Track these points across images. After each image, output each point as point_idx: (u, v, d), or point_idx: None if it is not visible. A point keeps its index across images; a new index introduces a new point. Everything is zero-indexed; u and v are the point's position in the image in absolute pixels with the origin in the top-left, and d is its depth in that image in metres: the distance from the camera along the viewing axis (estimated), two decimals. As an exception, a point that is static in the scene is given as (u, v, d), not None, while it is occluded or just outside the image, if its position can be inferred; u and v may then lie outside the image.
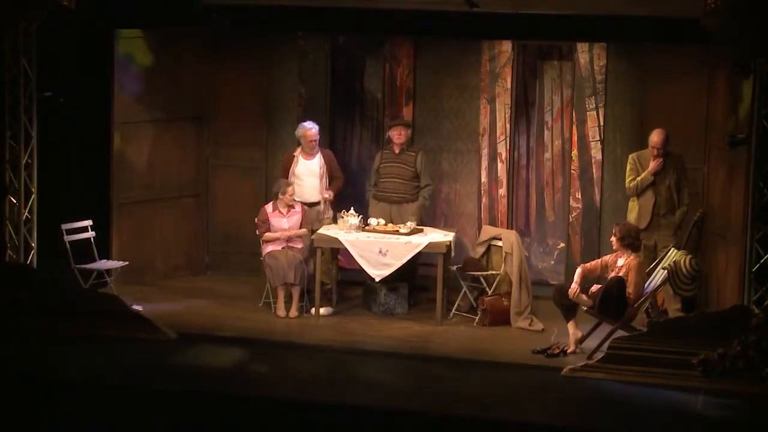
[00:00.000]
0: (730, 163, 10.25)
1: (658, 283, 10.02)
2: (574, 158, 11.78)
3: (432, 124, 12.13)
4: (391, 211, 11.42)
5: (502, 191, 11.99)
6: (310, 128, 11.39)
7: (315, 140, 11.37)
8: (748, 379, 9.11)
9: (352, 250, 10.86)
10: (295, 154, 11.42)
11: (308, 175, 11.41)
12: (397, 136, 11.41)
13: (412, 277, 11.38)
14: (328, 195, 11.43)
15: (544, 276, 11.92)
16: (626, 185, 10.83)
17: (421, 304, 11.42)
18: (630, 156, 10.91)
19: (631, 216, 10.78)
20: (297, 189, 11.26)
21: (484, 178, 12.04)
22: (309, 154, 11.40)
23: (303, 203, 11.30)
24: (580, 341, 10.06)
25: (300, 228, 11.14)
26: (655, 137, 10.68)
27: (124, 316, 10.22)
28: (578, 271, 10.08)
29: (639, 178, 10.71)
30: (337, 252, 11.22)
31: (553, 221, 12.01)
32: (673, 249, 10.24)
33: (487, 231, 11.42)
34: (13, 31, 10.28)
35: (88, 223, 11.23)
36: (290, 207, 11.15)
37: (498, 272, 11.04)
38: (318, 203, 11.42)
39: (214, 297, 11.53)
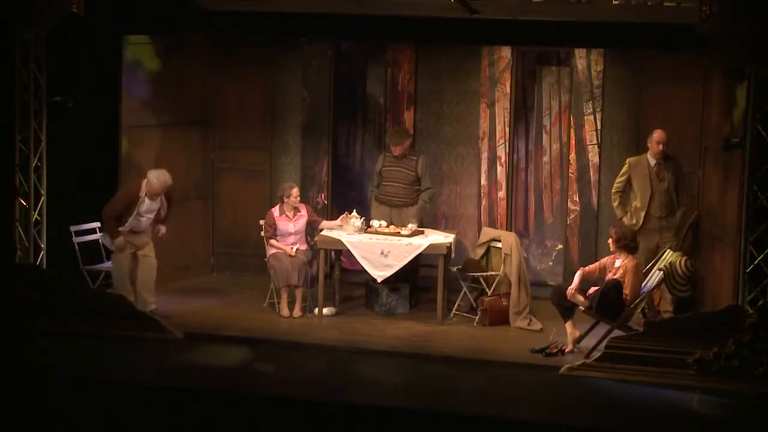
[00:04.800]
0: (725, 166, 10.28)
1: (655, 283, 10.06)
2: (572, 161, 11.83)
3: (433, 128, 12.17)
4: (392, 215, 11.47)
5: (502, 194, 12.06)
6: (153, 181, 10.74)
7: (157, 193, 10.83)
8: (742, 377, 9.15)
9: (355, 251, 10.93)
10: (140, 195, 10.72)
11: (150, 212, 10.87)
12: (399, 150, 11.40)
13: (414, 277, 11.43)
14: (163, 231, 11.02)
15: (543, 277, 11.97)
16: (613, 187, 10.91)
17: (422, 304, 11.46)
18: (628, 159, 10.96)
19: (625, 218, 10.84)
20: (135, 222, 10.73)
21: (483, 181, 12.12)
22: (153, 198, 10.85)
23: (133, 231, 10.83)
24: (577, 341, 10.10)
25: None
26: (657, 134, 10.73)
27: (132, 316, 10.27)
28: (578, 273, 10.11)
29: (620, 207, 10.84)
30: (340, 253, 11.30)
31: (552, 223, 12.05)
32: (668, 250, 10.28)
33: (487, 233, 11.46)
34: (23, 38, 10.31)
35: (97, 225, 11.26)
36: (296, 210, 11.17)
37: (497, 273, 11.08)
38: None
39: (220, 297, 11.59)
